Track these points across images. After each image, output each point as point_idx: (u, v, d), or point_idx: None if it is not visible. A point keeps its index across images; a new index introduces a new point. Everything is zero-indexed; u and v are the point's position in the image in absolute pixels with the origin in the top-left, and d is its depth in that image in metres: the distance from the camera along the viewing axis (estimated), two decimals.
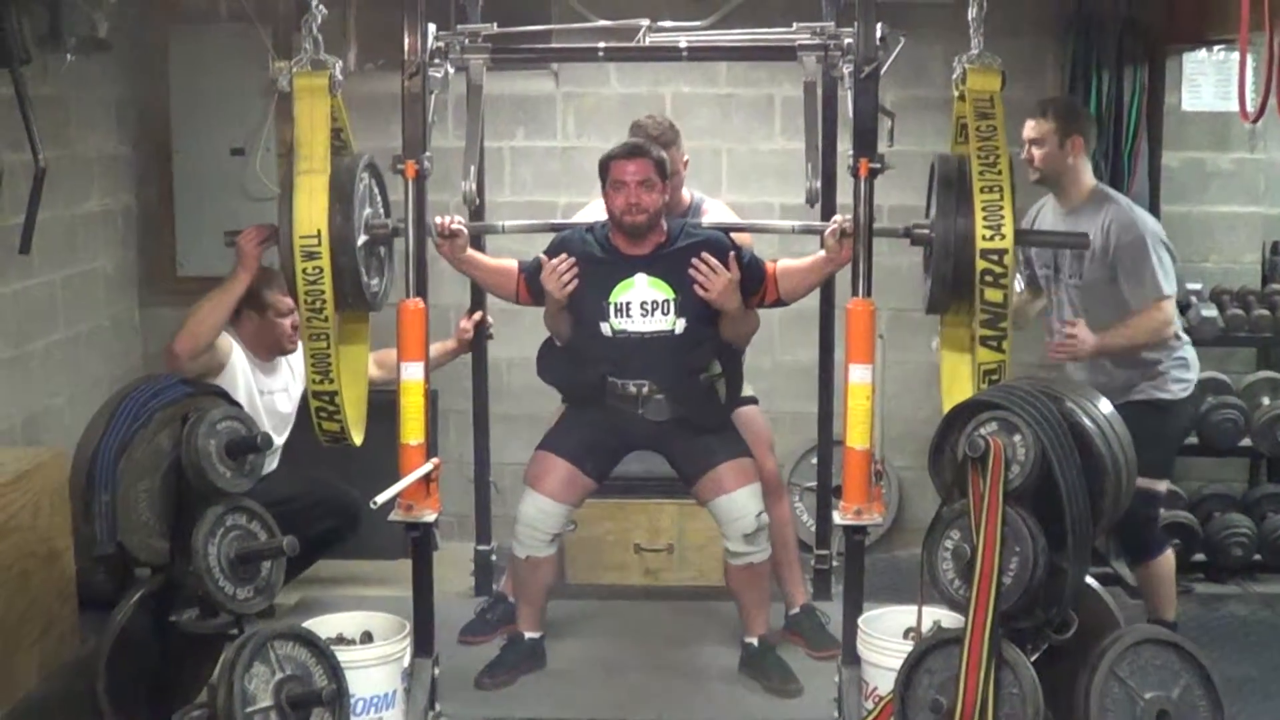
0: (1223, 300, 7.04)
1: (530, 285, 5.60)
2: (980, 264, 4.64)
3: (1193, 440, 6.74)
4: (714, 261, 5.40)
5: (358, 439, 5.17)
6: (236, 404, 4.88)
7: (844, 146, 5.23)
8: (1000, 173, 4.69)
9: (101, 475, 4.50)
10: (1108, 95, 6.93)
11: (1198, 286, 7.05)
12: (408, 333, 5.01)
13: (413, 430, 5.02)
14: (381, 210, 5.22)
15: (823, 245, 5.28)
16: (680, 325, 5.49)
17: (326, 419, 5.00)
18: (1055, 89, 7.09)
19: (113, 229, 7.08)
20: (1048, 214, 5.85)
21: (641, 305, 5.49)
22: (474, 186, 5.55)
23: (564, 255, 5.50)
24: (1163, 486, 5.83)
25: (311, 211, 4.78)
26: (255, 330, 6.02)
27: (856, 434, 4.92)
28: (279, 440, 6.02)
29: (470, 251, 5.50)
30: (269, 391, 6.11)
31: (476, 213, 6.16)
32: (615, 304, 5.50)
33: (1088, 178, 5.74)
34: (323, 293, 4.76)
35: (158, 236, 7.35)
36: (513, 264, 5.65)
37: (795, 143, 6.62)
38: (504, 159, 7.35)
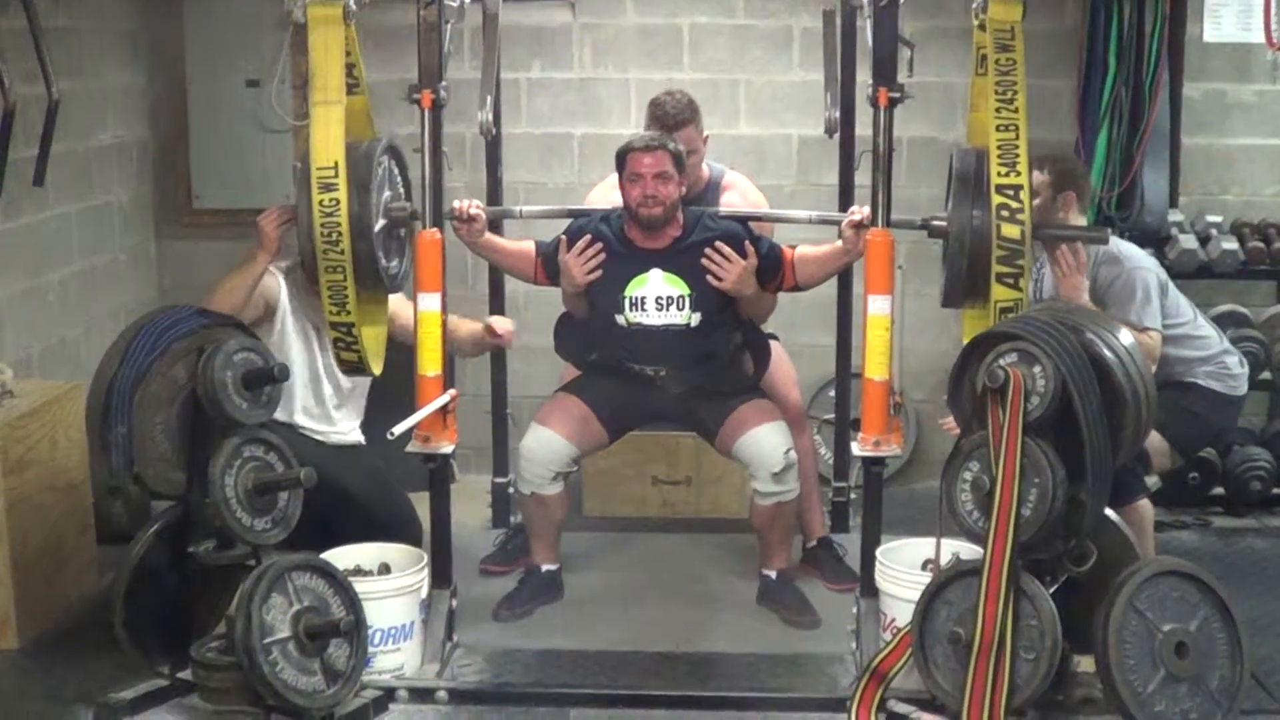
0: (1243, 233, 6.99)
1: (547, 267, 5.60)
2: (996, 199, 4.60)
3: None
4: (728, 250, 5.39)
5: (376, 369, 5.15)
6: (253, 335, 4.87)
7: (863, 77, 5.18)
8: (1016, 110, 4.64)
9: (118, 407, 4.52)
10: (1129, 25, 6.85)
11: (1218, 219, 7.01)
12: (425, 263, 4.99)
13: (430, 361, 5.01)
14: (402, 191, 5.19)
15: (840, 236, 5.25)
16: (696, 319, 5.50)
17: (345, 349, 4.98)
18: (1076, 20, 7.02)
19: (127, 161, 7.05)
20: (1046, 278, 5.79)
21: (656, 300, 5.50)
22: (490, 117, 5.53)
23: (589, 238, 5.49)
24: (1154, 479, 5.82)
25: (328, 143, 4.75)
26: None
27: (875, 365, 4.90)
28: (347, 385, 5.77)
29: (488, 235, 5.48)
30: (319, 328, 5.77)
31: (493, 144, 6.15)
32: (630, 298, 5.50)
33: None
34: (339, 225, 4.73)
35: (172, 169, 7.32)
36: (530, 246, 5.64)
37: (814, 74, 6.58)
38: (520, 90, 7.30)
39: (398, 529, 5.43)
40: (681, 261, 5.47)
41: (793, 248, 5.54)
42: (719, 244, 5.40)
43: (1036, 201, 5.52)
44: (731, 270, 5.38)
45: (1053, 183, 5.57)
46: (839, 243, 5.30)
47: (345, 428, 5.77)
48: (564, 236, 5.56)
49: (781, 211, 5.96)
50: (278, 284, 5.57)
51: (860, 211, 5.14)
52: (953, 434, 4.70)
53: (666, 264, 5.48)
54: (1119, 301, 5.48)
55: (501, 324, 5.83)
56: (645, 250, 5.50)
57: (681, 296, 5.47)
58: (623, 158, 5.45)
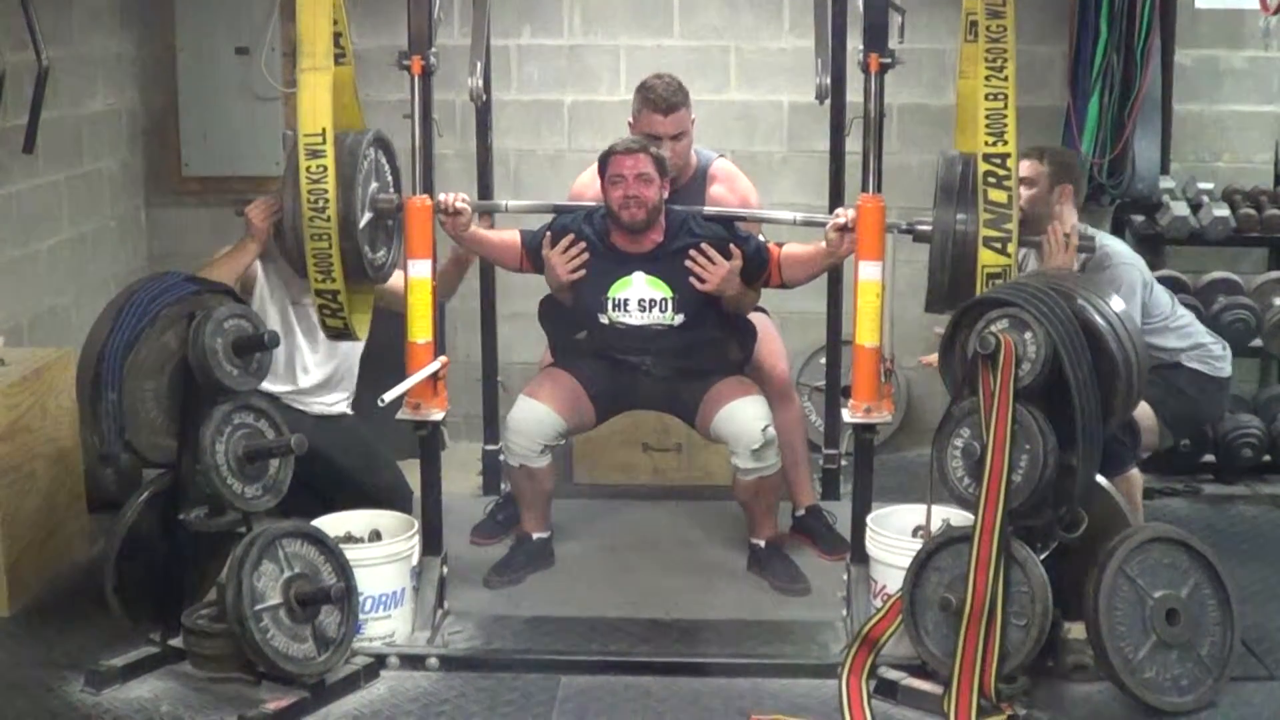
0: (1235, 200, 6.99)
1: (532, 258, 5.60)
2: (983, 166, 4.61)
3: None
4: (711, 252, 5.39)
5: (361, 335, 5.16)
6: (243, 302, 4.86)
7: (854, 44, 5.17)
8: (1006, 79, 4.64)
9: (108, 375, 4.51)
10: None
11: (1209, 186, 7.01)
12: (414, 230, 4.98)
13: (420, 328, 5.00)
14: (390, 180, 5.18)
15: (825, 237, 5.24)
16: (679, 319, 5.50)
17: (330, 316, 4.98)
18: None
19: (117, 129, 7.03)
20: (1031, 259, 5.78)
21: (639, 303, 5.50)
22: (480, 84, 5.51)
23: (572, 237, 5.49)
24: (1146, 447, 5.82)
25: (315, 109, 4.74)
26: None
27: (866, 331, 4.90)
28: (326, 364, 5.75)
29: (473, 228, 5.48)
30: (304, 303, 5.74)
31: (482, 111, 6.13)
32: (613, 299, 5.50)
33: (1072, 222, 5.69)
34: (325, 191, 4.72)
35: (162, 137, 7.30)
36: (514, 237, 5.63)
37: (804, 40, 6.57)
38: (510, 56, 7.28)
39: (385, 497, 5.43)
40: (664, 265, 5.47)
41: (780, 245, 5.53)
42: (703, 245, 5.40)
43: (1034, 190, 5.53)
44: (715, 273, 5.38)
45: (1051, 173, 5.57)
46: (823, 244, 5.29)
47: (330, 399, 5.76)
48: (549, 232, 5.55)
49: (766, 212, 5.94)
50: (255, 264, 5.56)
51: (845, 214, 5.12)
52: (932, 367, 4.71)
53: (649, 267, 5.48)
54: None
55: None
56: (628, 254, 5.50)
57: (664, 299, 5.47)
58: (605, 160, 5.45)
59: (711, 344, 5.61)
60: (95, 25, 6.74)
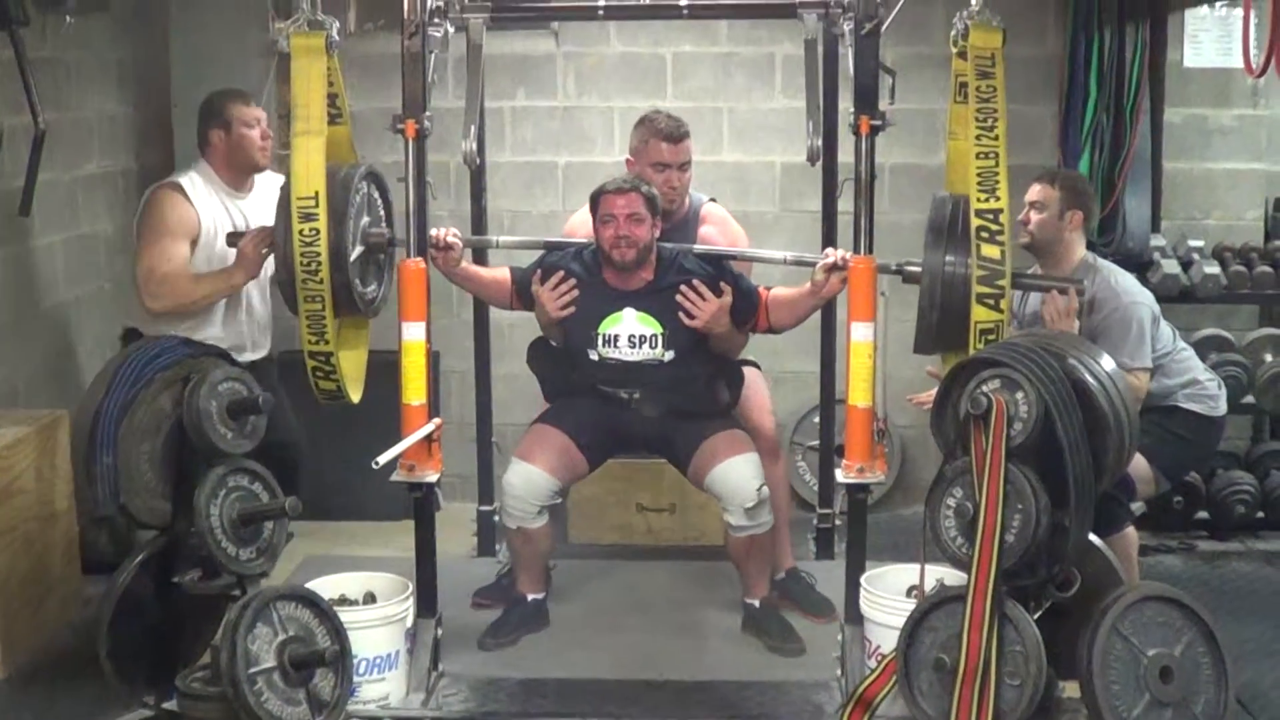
0: (1225, 257, 7.02)
1: (521, 295, 5.61)
2: (975, 221, 4.63)
3: None
4: (702, 288, 5.40)
5: (355, 397, 5.17)
6: (238, 364, 4.87)
7: (845, 104, 5.20)
8: (997, 138, 4.66)
9: (103, 437, 4.52)
10: (1109, 51, 6.88)
11: (1200, 244, 7.04)
12: (409, 293, 5.00)
13: (414, 390, 5.01)
14: (382, 214, 5.22)
15: (813, 277, 5.26)
16: (669, 355, 5.50)
17: (323, 378, 5.00)
18: (1057, 46, 7.07)
19: (113, 191, 7.05)
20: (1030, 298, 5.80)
21: (630, 339, 5.50)
22: (474, 146, 5.53)
23: (561, 274, 5.50)
24: (1139, 505, 5.82)
25: (309, 173, 4.77)
26: (225, 151, 5.72)
27: (859, 392, 4.91)
28: (263, 310, 5.80)
29: (465, 264, 5.50)
30: (248, 225, 5.67)
31: (477, 173, 6.16)
32: (604, 335, 5.51)
33: (1079, 251, 5.70)
34: (318, 254, 4.75)
35: None
36: (505, 273, 5.65)
37: (796, 101, 6.61)
38: (504, 119, 7.34)
39: (278, 450, 5.20)
40: (655, 301, 5.48)
41: (768, 289, 5.55)
42: (694, 282, 5.41)
43: (1044, 215, 5.55)
44: (705, 309, 5.39)
45: (1063, 199, 5.58)
46: (809, 284, 5.30)
47: (262, 342, 5.84)
48: (539, 269, 5.57)
49: (757, 251, 5.96)
50: (194, 216, 5.57)
51: (835, 254, 5.15)
52: (923, 407, 4.71)
53: (640, 303, 5.49)
54: (1112, 338, 5.45)
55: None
56: (619, 291, 5.51)
57: (655, 335, 5.48)
58: (596, 200, 5.47)
59: (700, 382, 5.59)
60: (92, 88, 6.77)
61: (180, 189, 5.57)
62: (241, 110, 5.67)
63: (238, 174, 5.74)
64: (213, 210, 5.62)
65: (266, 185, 5.74)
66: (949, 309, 4.77)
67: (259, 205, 5.66)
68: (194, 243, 5.55)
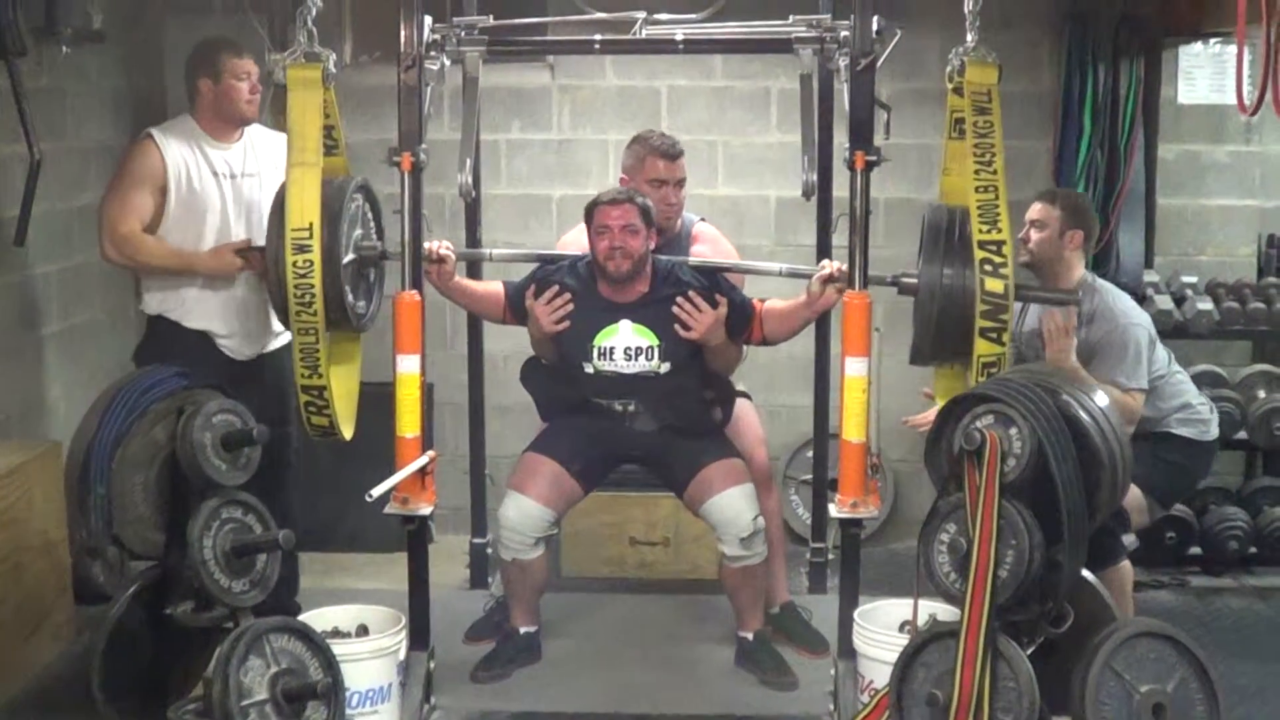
0: (1218, 293, 7.03)
1: (514, 308, 5.61)
2: (979, 254, 4.64)
3: None
4: (698, 299, 5.41)
5: (347, 434, 5.17)
6: (233, 397, 4.86)
7: (840, 139, 5.22)
8: (995, 171, 4.69)
9: (97, 468, 4.51)
10: (1104, 88, 6.93)
11: (1193, 280, 7.06)
12: (403, 325, 5.01)
13: (408, 423, 5.02)
14: (374, 231, 5.23)
15: (808, 289, 5.29)
16: (665, 367, 5.51)
17: (315, 413, 5.00)
18: (1051, 82, 7.10)
19: None
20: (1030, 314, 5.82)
21: (625, 351, 5.51)
22: (470, 179, 5.55)
23: (556, 288, 5.50)
24: (1131, 538, 5.82)
25: (304, 205, 4.78)
26: (212, 101, 5.73)
27: (852, 427, 4.92)
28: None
29: (457, 278, 5.51)
30: (232, 175, 5.77)
31: (472, 205, 6.17)
32: (599, 347, 5.51)
33: (1078, 270, 5.73)
34: (312, 286, 4.76)
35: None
36: (498, 287, 5.66)
37: (791, 135, 6.62)
38: (500, 151, 7.35)
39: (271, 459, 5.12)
40: (651, 313, 5.48)
41: (763, 301, 5.56)
42: (690, 293, 5.42)
43: (1044, 234, 5.57)
44: (701, 320, 5.39)
45: (1063, 219, 5.60)
46: (803, 296, 5.32)
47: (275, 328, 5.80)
48: (533, 283, 5.57)
49: (751, 263, 5.97)
50: (160, 165, 5.63)
51: (831, 265, 5.17)
52: (919, 429, 4.71)
53: (636, 315, 5.50)
54: (1109, 358, 5.48)
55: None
56: (614, 303, 5.51)
57: (651, 347, 5.48)
58: (591, 211, 5.48)
59: (695, 396, 5.59)
60: (88, 118, 6.77)
61: (152, 137, 5.69)
62: (232, 62, 5.69)
63: (224, 124, 5.76)
64: (183, 157, 5.67)
65: (257, 138, 5.84)
66: (945, 322, 4.78)
67: (244, 156, 5.78)
68: (164, 190, 5.63)
